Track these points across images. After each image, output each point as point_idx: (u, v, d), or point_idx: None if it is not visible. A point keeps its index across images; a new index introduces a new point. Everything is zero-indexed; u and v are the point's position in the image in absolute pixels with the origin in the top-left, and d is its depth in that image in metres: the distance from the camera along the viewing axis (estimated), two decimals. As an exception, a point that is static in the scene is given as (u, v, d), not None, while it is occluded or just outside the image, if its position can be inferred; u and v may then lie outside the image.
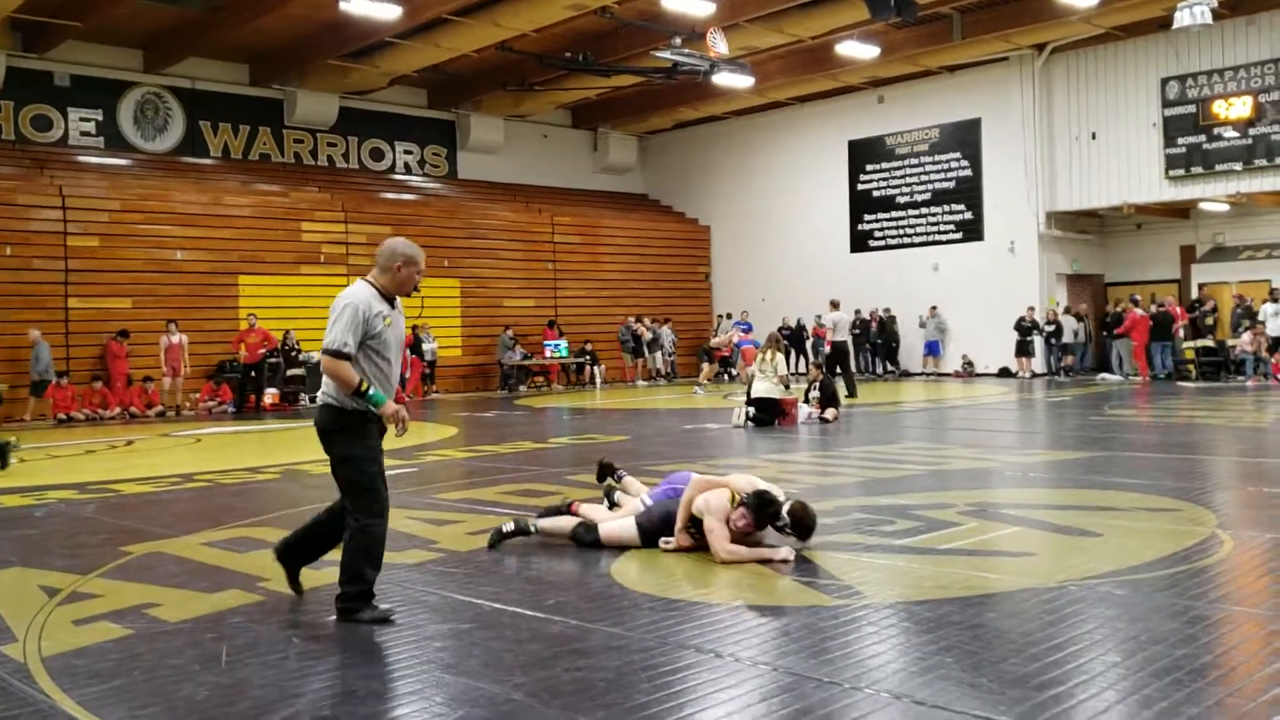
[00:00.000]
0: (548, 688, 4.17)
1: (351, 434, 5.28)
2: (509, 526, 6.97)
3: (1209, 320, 23.76)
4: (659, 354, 29.64)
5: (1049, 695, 3.89)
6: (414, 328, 26.13)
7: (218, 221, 23.88)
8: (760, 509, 6.36)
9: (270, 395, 22.64)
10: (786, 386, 15.71)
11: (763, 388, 15.38)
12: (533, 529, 6.97)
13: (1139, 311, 24.89)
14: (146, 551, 7.17)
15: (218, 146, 26.80)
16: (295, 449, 14.58)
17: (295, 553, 5.67)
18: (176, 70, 25.64)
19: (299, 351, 23.65)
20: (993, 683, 4.07)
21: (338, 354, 5.21)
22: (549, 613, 5.27)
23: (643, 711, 3.86)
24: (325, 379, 5.34)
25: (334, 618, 5.25)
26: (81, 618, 5.45)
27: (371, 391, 5.20)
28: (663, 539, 6.61)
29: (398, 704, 4.07)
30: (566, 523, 6.95)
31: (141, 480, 11.11)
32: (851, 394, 20.10)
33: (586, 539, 6.79)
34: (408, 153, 30.09)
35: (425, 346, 25.79)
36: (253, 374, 22.09)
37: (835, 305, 22.66)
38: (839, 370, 20.94)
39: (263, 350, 22.02)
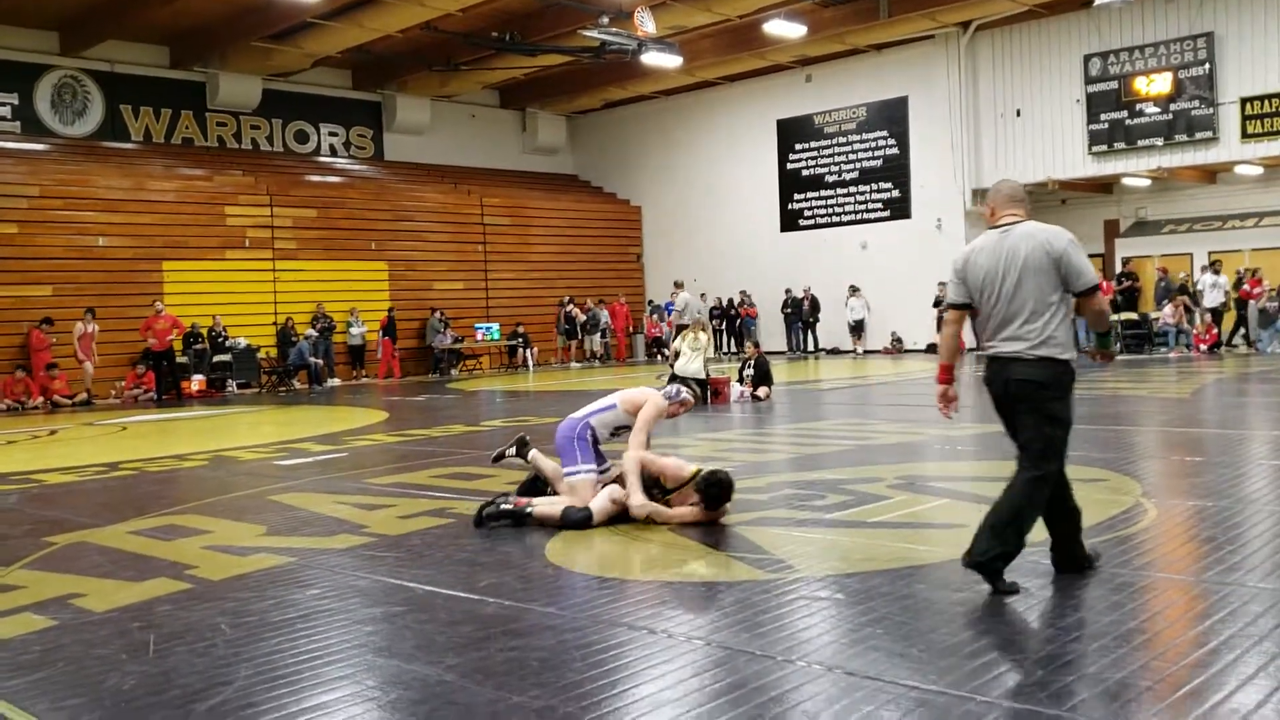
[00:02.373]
0: (481, 668, 4.15)
1: (1068, 393, 4.90)
2: (511, 449, 7.34)
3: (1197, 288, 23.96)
4: (595, 336, 29.62)
5: (978, 664, 3.95)
6: (389, 310, 26.04)
7: (140, 207, 23.41)
8: (714, 492, 6.58)
9: (197, 382, 22.27)
10: (706, 371, 15.58)
11: (692, 368, 15.40)
12: (530, 458, 7.21)
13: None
14: (71, 542, 7.02)
15: (139, 130, 26.24)
16: (223, 435, 14.37)
17: (1065, 546, 5.13)
18: (94, 53, 25.03)
19: (226, 337, 23.29)
20: (923, 652, 4.11)
21: (1099, 287, 4.93)
22: (483, 594, 5.24)
23: (576, 689, 3.85)
24: (1029, 329, 4.84)
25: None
26: (3, 610, 5.32)
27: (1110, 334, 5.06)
28: (633, 502, 6.64)
29: (329, 688, 4.02)
30: (556, 509, 6.82)
31: (65, 470, 10.88)
32: None
33: (583, 524, 6.62)
34: (333, 135, 29.69)
35: (354, 330, 25.53)
36: (165, 362, 21.64)
37: (680, 286, 22.53)
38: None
39: (172, 336, 21.59)
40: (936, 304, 26.16)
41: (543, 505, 6.82)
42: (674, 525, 6.58)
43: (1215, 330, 23.21)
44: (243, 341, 23.62)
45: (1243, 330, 23.61)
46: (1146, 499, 6.96)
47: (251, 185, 25.53)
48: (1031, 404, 4.91)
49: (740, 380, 16.07)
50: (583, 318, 29.15)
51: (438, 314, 26.95)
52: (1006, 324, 4.95)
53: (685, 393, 7.17)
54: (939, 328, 25.90)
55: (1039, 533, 6.04)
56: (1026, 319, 4.89)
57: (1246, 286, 23.24)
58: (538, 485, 7.23)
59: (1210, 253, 24.98)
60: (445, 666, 4.18)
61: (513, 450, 7.40)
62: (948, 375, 5.23)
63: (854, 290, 27.82)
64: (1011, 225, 5.04)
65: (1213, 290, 23.35)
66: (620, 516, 6.70)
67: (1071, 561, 5.14)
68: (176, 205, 23.95)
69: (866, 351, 27.97)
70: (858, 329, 27.98)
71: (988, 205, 5.23)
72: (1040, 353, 4.86)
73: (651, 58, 24.41)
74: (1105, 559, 5.41)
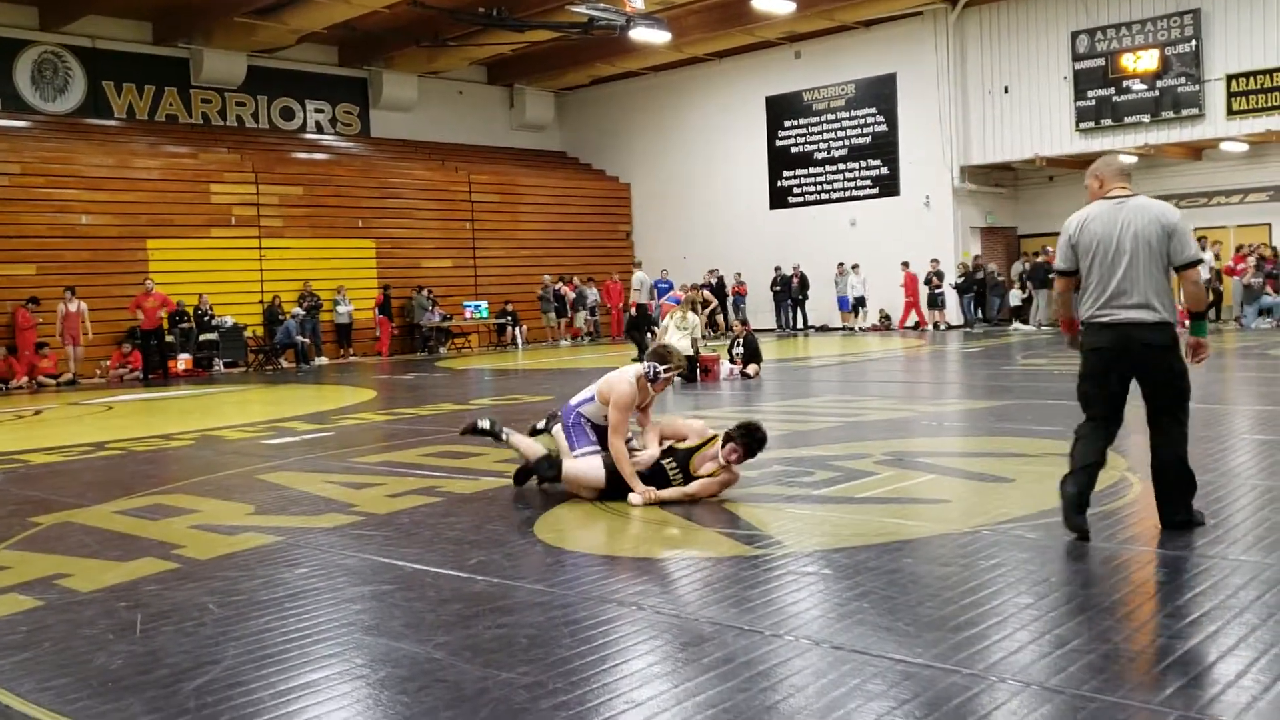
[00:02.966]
0: (470, 646, 4.16)
1: (1179, 347, 5.34)
2: (484, 423, 7.45)
3: None
4: (582, 313, 29.58)
5: (963, 637, 3.97)
6: (384, 288, 26.10)
7: (124, 184, 23.27)
8: (751, 439, 6.62)
9: (184, 361, 22.21)
10: (696, 350, 15.58)
11: (680, 346, 15.39)
12: (504, 436, 7.34)
13: (912, 271, 26.46)
14: (56, 522, 7.00)
15: (122, 107, 26.06)
16: (209, 415, 14.34)
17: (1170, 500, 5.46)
18: (75, 29, 24.80)
19: (212, 316, 23.21)
20: (909, 626, 4.13)
21: (1200, 263, 5.35)
22: (471, 572, 5.25)
23: (565, 665, 3.86)
24: (1148, 297, 5.21)
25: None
26: (-11, 590, 5.31)
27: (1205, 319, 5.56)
28: (631, 496, 6.58)
29: (318, 667, 4.02)
30: (535, 448, 7.00)
31: (50, 450, 10.84)
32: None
33: (547, 473, 6.92)
34: (319, 111, 29.52)
35: (340, 309, 25.46)
36: (154, 341, 21.56)
37: (638, 265, 22.46)
38: (639, 333, 20.83)
39: (162, 314, 21.51)
40: (927, 282, 26.23)
41: (523, 442, 7.33)
42: (663, 504, 6.57)
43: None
44: (229, 320, 23.54)
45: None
46: (1132, 473, 6.99)
47: (237, 163, 25.39)
48: (1158, 366, 5.31)
49: (730, 358, 16.08)
50: (572, 296, 29.09)
51: (425, 291, 26.86)
52: (1124, 293, 5.26)
53: (663, 368, 7.06)
54: (929, 304, 26.01)
55: (1021, 508, 6.08)
56: (1144, 287, 5.24)
57: (1230, 263, 23.31)
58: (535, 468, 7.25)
59: (1195, 229, 24.93)
60: (434, 644, 4.19)
61: (486, 424, 7.59)
62: (1071, 326, 5.63)
63: (853, 268, 27.64)
64: (1125, 198, 5.36)
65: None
66: (610, 493, 6.70)
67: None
68: (161, 183, 23.80)
69: (861, 329, 27.95)
70: (859, 305, 27.84)
71: (1095, 178, 5.49)
72: (1161, 318, 5.25)
73: (640, 33, 24.30)
74: (1091, 533, 5.44)
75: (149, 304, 21.22)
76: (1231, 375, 14.25)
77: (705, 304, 24.83)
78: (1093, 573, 4.78)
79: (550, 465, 6.91)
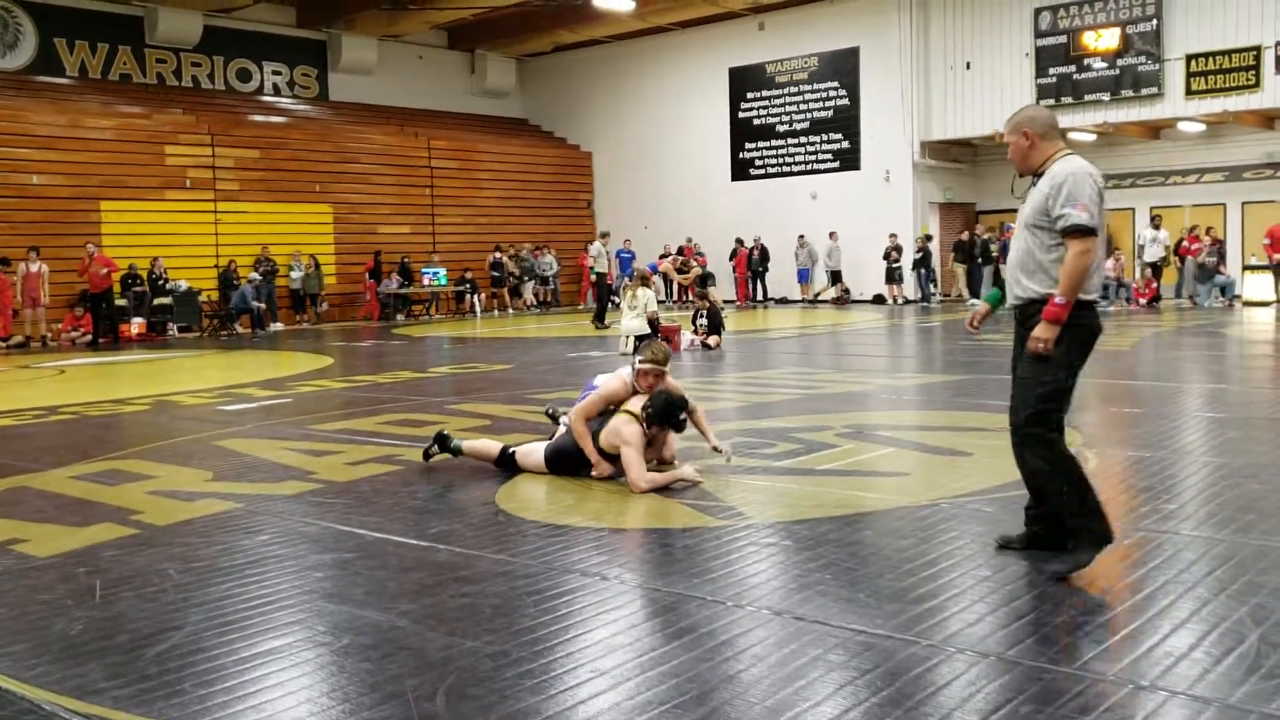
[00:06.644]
0: (433, 614, 4.16)
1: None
2: (434, 450, 7.16)
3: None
4: (530, 284, 29.45)
5: (923, 609, 4.02)
6: (376, 253, 25.94)
7: (77, 145, 22.85)
8: (668, 416, 6.39)
9: (137, 325, 21.92)
10: (653, 324, 15.49)
11: (634, 325, 15.32)
12: (458, 449, 7.09)
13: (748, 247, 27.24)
14: (10, 486, 6.92)
15: (74, 66, 25.56)
16: (164, 380, 14.19)
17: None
18: (25, -17, 24.31)
19: (166, 280, 22.91)
20: (869, 597, 4.19)
21: None
22: (433, 541, 5.25)
23: (529, 634, 3.88)
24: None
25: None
26: (-57, 555, 5.24)
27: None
28: (594, 471, 6.55)
29: (280, 633, 4.02)
30: (493, 447, 6.95)
31: (1, 414, 10.69)
32: (600, 324, 20.72)
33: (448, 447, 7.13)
34: (276, 73, 29.09)
35: (295, 274, 25.21)
36: (103, 304, 21.23)
37: (601, 237, 22.71)
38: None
39: (104, 272, 21.13)
40: (886, 256, 26.35)
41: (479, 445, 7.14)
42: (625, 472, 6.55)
43: (1155, 284, 23.59)
44: (183, 284, 23.24)
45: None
46: (1086, 449, 7.09)
47: (192, 124, 25.01)
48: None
49: (694, 329, 16.11)
50: (511, 266, 28.85)
51: (434, 256, 27.00)
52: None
53: (638, 359, 6.74)
54: (887, 278, 26.01)
55: (979, 481, 6.16)
56: None
57: (1185, 242, 23.62)
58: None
59: (1152, 208, 25.31)
60: (397, 612, 4.19)
61: (436, 449, 7.20)
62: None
63: (800, 240, 27.45)
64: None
65: (1153, 245, 23.71)
66: (571, 467, 6.68)
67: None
68: (114, 144, 23.40)
69: (813, 301, 27.99)
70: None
71: (1023, 134, 4.60)
72: None
73: (603, 1, 24.11)
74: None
75: (93, 268, 20.91)
76: (1185, 353, 14.47)
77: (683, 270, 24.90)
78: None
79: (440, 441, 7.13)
